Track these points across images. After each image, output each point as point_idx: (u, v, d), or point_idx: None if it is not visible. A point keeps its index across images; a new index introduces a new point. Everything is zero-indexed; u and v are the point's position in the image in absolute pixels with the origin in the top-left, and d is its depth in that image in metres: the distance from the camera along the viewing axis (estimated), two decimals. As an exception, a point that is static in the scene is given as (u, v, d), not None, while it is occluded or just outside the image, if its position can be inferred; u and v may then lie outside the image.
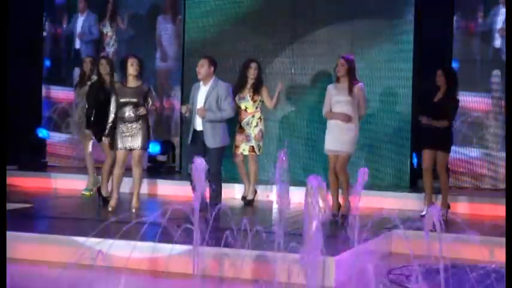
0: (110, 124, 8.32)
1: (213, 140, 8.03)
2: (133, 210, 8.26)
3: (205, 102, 8.06)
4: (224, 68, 10.33)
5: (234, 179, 9.82)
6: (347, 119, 8.25)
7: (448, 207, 8.66)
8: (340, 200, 8.43)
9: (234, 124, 9.23)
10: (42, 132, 12.02)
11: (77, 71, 11.15)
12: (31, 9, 12.18)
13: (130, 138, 8.25)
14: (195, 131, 8.13)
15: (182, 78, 11.39)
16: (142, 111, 8.22)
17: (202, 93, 8.13)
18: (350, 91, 8.25)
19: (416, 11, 10.34)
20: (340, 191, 8.43)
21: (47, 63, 12.52)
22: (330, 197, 8.40)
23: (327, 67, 10.64)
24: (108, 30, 12.04)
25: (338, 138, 8.29)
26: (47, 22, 12.47)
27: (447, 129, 8.54)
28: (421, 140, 8.77)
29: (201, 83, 8.19)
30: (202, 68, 8.09)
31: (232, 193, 9.68)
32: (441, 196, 8.69)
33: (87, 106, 9.18)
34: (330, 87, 8.47)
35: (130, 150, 8.29)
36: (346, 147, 8.29)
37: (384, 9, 10.48)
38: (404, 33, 10.38)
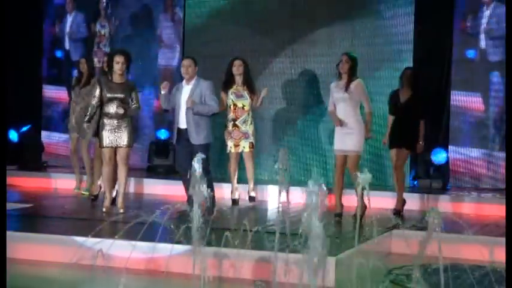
0: (88, 116, 8.28)
1: (197, 136, 8.15)
2: (121, 211, 8.15)
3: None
4: (224, 68, 10.33)
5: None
6: (338, 123, 8.25)
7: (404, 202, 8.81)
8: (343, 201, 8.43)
9: (219, 122, 9.25)
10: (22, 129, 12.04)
11: (75, 72, 11.15)
12: (31, 9, 12.18)
13: (116, 135, 8.19)
14: (179, 129, 8.26)
15: (181, 77, 11.37)
16: (128, 110, 8.22)
17: (185, 92, 8.29)
18: (346, 88, 8.25)
19: (416, 11, 10.34)
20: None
21: (47, 63, 12.53)
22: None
23: (327, 67, 10.66)
24: (105, 30, 12.04)
25: (343, 137, 8.27)
26: (46, 22, 12.48)
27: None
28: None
29: (184, 82, 8.36)
30: (190, 67, 8.30)
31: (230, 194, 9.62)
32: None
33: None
34: (332, 85, 8.48)
35: (116, 147, 8.22)
36: (352, 146, 8.24)
37: (384, 9, 10.49)
38: (404, 33, 10.38)
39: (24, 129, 12.09)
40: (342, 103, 8.27)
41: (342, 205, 8.38)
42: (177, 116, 8.32)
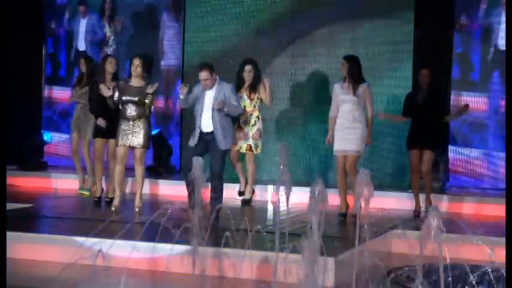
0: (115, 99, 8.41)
1: (225, 141, 8.04)
2: (137, 210, 8.30)
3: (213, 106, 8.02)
4: (224, 68, 10.34)
5: (234, 179, 9.80)
6: (329, 139, 8.43)
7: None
8: (349, 201, 8.44)
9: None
10: (46, 136, 12.02)
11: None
12: (31, 9, 12.18)
13: (131, 136, 8.29)
14: (201, 132, 8.07)
15: (182, 78, 11.39)
16: (150, 90, 8.28)
17: (209, 97, 8.05)
18: (354, 91, 8.29)
19: (416, 11, 10.35)
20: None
21: (47, 63, 12.53)
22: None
23: (327, 67, 10.67)
24: (107, 30, 12.03)
25: (344, 137, 8.31)
26: (47, 22, 12.48)
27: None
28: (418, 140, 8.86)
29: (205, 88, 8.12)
30: (208, 80, 7.99)
31: (233, 193, 9.63)
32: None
33: (89, 104, 9.20)
34: (336, 86, 8.49)
35: (131, 148, 8.33)
36: (354, 146, 8.29)
37: (384, 9, 10.49)
38: (404, 33, 10.38)
39: (49, 137, 12.07)
40: (348, 105, 8.32)
41: (347, 205, 8.39)
42: (198, 119, 8.09)
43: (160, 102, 11.79)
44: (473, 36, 10.58)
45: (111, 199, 8.77)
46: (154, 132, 11.54)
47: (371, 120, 8.42)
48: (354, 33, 10.59)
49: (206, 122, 8.05)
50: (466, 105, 8.91)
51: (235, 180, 9.63)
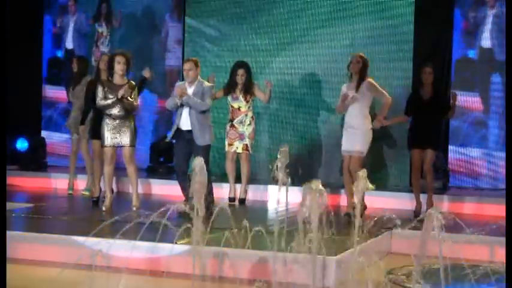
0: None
1: (202, 138, 8.20)
2: (134, 209, 8.25)
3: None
4: (224, 68, 10.35)
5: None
6: (351, 100, 8.29)
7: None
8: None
9: (222, 123, 9.28)
10: (21, 143, 11.87)
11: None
12: (31, 8, 12.18)
13: (118, 135, 8.26)
14: (179, 129, 8.27)
15: (182, 78, 11.37)
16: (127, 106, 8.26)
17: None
18: (357, 88, 8.29)
19: (416, 11, 10.34)
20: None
21: (47, 63, 12.53)
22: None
23: (327, 67, 10.66)
24: (103, 29, 12.01)
25: (349, 137, 8.37)
26: (46, 21, 12.48)
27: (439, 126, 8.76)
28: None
29: (186, 84, 8.32)
30: (191, 71, 8.26)
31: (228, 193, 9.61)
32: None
33: (84, 103, 9.23)
34: (343, 87, 8.56)
35: (119, 147, 8.31)
36: (356, 146, 8.32)
37: (384, 9, 10.49)
38: (404, 33, 10.38)
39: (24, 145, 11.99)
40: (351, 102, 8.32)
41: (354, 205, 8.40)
42: (178, 116, 8.33)
43: (162, 102, 11.77)
44: (473, 36, 10.57)
45: (97, 199, 8.91)
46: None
47: (387, 106, 8.44)
48: (354, 33, 10.59)
49: (185, 120, 8.24)
50: (454, 95, 8.94)
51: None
